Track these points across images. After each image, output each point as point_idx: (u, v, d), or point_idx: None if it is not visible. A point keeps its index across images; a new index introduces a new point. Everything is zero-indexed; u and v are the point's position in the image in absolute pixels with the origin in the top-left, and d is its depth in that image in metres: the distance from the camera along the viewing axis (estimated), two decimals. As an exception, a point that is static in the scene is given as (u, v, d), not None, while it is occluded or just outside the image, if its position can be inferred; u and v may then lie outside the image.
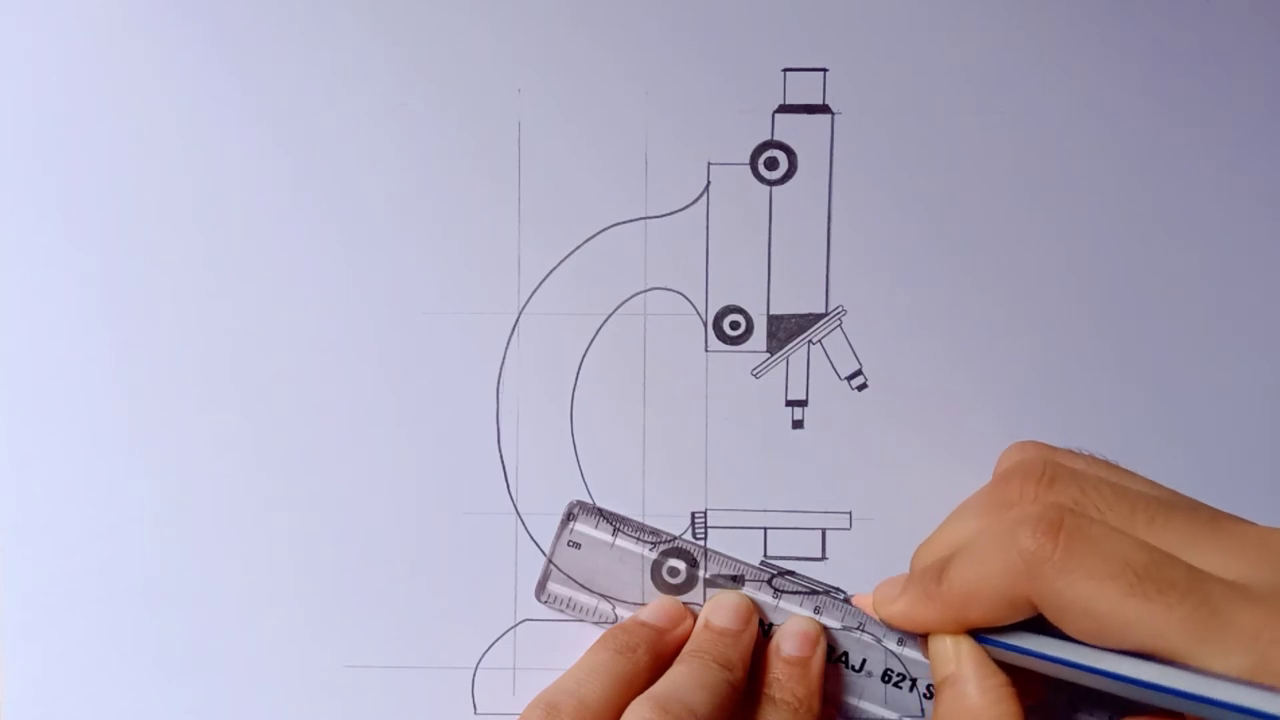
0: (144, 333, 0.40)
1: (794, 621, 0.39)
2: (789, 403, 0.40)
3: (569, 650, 0.40)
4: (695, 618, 0.39)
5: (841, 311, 0.40)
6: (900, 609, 0.36)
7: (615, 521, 0.40)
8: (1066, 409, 0.40)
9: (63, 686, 0.41)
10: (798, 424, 0.40)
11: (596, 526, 0.40)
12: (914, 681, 0.39)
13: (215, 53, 0.40)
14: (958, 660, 0.34)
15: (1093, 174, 0.40)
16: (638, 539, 0.40)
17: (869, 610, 0.38)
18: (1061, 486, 0.34)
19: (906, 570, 0.37)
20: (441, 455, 0.40)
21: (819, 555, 0.40)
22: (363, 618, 0.41)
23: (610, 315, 0.40)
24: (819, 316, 0.40)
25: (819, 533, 0.40)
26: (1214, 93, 0.39)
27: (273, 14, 0.40)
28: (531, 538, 0.40)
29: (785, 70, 0.40)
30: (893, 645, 0.39)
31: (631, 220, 0.40)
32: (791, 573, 0.40)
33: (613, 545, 0.40)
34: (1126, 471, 0.36)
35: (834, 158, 0.40)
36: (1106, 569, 0.30)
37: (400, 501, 0.40)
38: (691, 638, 0.39)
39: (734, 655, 0.38)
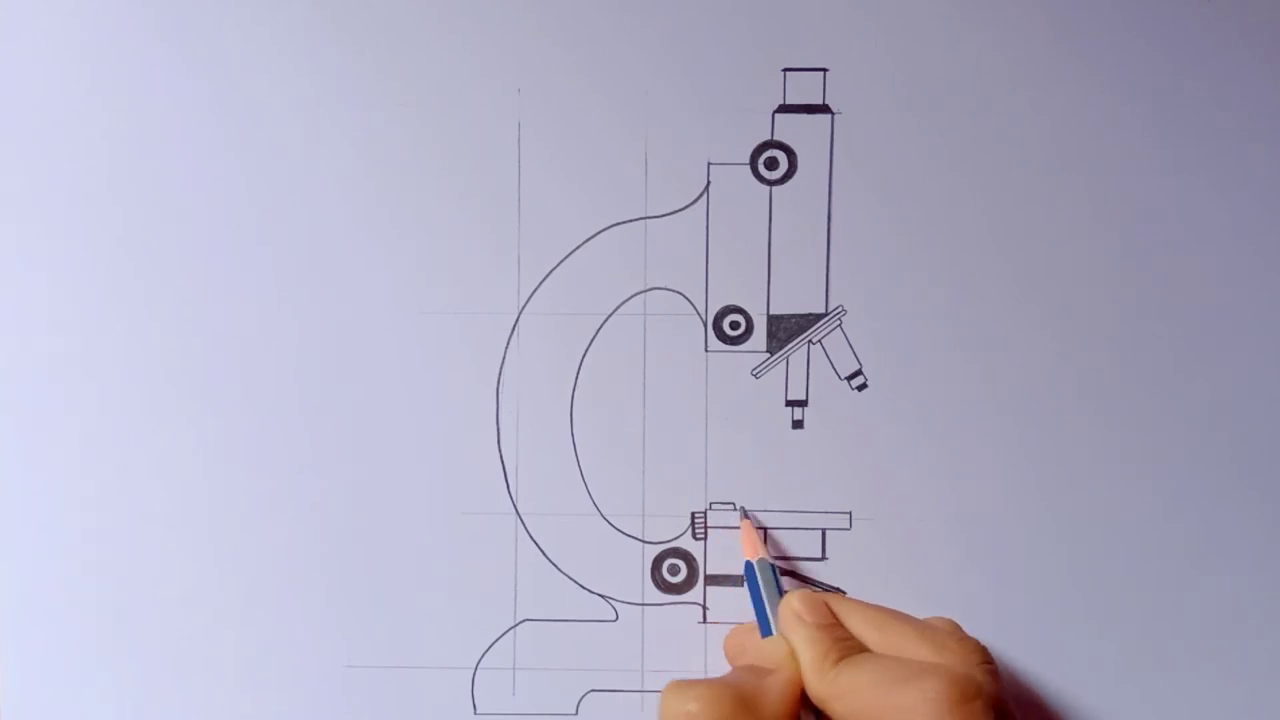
0: (144, 333, 0.40)
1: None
2: (789, 403, 0.40)
3: (569, 650, 0.40)
4: None
5: (841, 311, 0.40)
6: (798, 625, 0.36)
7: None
8: (1066, 408, 0.40)
9: (62, 686, 0.41)
10: (798, 424, 0.40)
11: None
12: None
13: (216, 53, 0.40)
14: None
15: (1092, 174, 0.40)
16: None
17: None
18: None
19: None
20: (441, 455, 0.40)
21: (819, 555, 0.40)
22: (363, 618, 0.41)
23: (610, 315, 0.40)
24: (819, 316, 0.40)
25: (819, 533, 0.40)
26: (1214, 93, 0.39)
27: (272, 15, 0.40)
28: (531, 538, 0.40)
29: (785, 70, 0.40)
30: None
31: (631, 220, 0.40)
32: (792, 573, 0.40)
33: None
34: None
35: (834, 157, 0.40)
36: None
37: (400, 501, 0.40)
38: None
39: None
